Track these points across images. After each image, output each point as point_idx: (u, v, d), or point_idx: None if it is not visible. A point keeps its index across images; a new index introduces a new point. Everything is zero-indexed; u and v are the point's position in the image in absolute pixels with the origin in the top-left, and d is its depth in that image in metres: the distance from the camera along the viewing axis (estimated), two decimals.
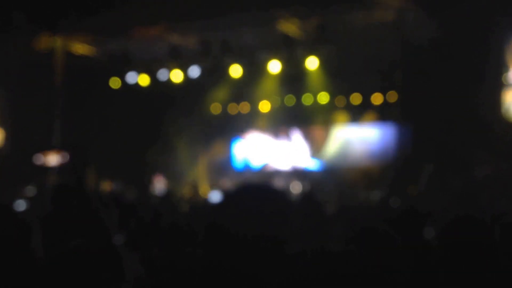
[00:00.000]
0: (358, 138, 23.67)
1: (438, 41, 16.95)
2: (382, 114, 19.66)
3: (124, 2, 19.22)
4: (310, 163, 25.40)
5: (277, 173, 23.85)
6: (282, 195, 1.78)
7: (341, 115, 23.87)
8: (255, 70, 21.10)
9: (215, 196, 15.38)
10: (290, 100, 25.51)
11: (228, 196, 1.76)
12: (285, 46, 18.75)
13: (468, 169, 16.10)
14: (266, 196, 1.74)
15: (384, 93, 19.56)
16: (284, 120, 26.30)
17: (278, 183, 22.27)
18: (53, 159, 16.57)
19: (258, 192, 1.74)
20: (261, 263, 1.64)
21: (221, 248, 1.63)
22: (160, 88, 21.97)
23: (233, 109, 26.41)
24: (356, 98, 23.59)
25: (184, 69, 21.01)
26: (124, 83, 21.58)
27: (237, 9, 18.15)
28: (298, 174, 23.24)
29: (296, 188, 21.77)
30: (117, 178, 21.26)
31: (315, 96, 23.70)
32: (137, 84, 21.77)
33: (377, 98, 22.60)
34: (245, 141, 25.78)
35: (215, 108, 26.34)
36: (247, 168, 24.49)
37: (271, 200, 1.73)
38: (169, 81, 21.72)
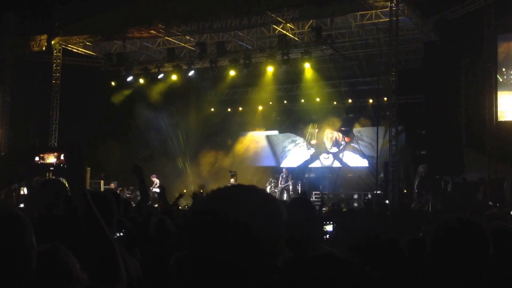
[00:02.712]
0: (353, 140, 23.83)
1: (432, 44, 17.09)
2: (376, 117, 19.74)
3: (122, 4, 19.35)
4: (307, 163, 25.58)
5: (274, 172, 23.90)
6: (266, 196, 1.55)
7: (336, 117, 24.00)
8: (250, 72, 21.19)
9: None
10: (285, 102, 25.70)
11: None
12: (280, 48, 18.86)
13: (461, 171, 16.23)
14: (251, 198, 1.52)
15: (378, 96, 19.67)
16: (281, 121, 26.51)
17: (276, 182, 22.38)
18: (50, 158, 16.64)
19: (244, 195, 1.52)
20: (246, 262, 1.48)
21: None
22: (157, 89, 22.06)
23: (229, 109, 26.61)
24: (350, 100, 23.76)
25: (181, 71, 21.09)
26: (121, 83, 21.66)
27: (233, 12, 18.30)
28: (293, 174, 23.31)
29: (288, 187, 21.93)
30: (115, 177, 21.37)
31: (310, 98, 23.83)
32: (134, 85, 21.86)
33: (371, 101, 22.76)
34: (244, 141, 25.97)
35: (212, 109, 26.49)
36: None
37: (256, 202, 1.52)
38: (166, 82, 21.83)
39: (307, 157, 25.38)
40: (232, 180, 20.46)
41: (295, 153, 25.71)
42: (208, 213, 1.49)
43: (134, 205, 6.87)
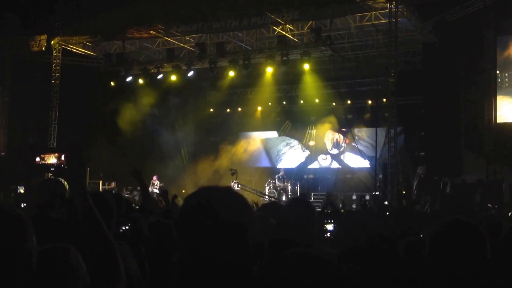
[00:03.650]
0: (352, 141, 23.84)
1: (431, 46, 17.12)
2: (375, 118, 19.77)
3: (122, 4, 19.36)
4: (306, 164, 25.58)
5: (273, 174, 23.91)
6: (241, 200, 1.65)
7: (335, 118, 24.01)
8: (250, 73, 21.21)
9: None
10: (284, 103, 25.71)
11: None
12: (280, 49, 18.88)
13: (460, 172, 16.24)
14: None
15: (377, 97, 19.69)
16: (280, 122, 26.53)
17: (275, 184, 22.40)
18: (50, 158, 16.65)
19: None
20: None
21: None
22: (157, 89, 22.06)
23: (228, 110, 26.60)
24: (349, 101, 23.77)
25: (181, 71, 21.09)
26: (120, 84, 21.66)
27: (233, 12, 18.32)
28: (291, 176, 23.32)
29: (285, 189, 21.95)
30: (114, 178, 21.36)
31: (309, 98, 23.86)
32: (133, 85, 21.85)
33: (370, 102, 22.78)
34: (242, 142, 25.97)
35: (211, 110, 26.49)
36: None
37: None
38: (165, 82, 21.82)
39: (303, 159, 25.40)
40: (233, 178, 20.68)
41: (290, 155, 25.76)
42: (191, 208, 1.62)
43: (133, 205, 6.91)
